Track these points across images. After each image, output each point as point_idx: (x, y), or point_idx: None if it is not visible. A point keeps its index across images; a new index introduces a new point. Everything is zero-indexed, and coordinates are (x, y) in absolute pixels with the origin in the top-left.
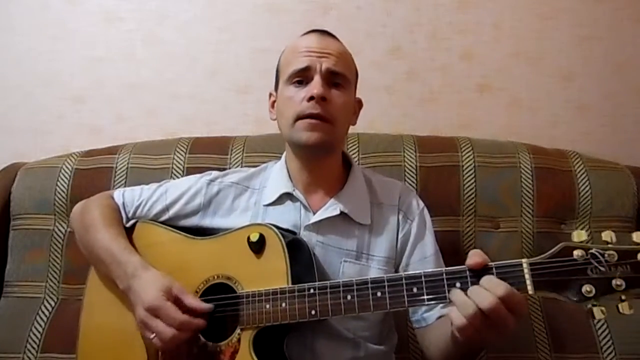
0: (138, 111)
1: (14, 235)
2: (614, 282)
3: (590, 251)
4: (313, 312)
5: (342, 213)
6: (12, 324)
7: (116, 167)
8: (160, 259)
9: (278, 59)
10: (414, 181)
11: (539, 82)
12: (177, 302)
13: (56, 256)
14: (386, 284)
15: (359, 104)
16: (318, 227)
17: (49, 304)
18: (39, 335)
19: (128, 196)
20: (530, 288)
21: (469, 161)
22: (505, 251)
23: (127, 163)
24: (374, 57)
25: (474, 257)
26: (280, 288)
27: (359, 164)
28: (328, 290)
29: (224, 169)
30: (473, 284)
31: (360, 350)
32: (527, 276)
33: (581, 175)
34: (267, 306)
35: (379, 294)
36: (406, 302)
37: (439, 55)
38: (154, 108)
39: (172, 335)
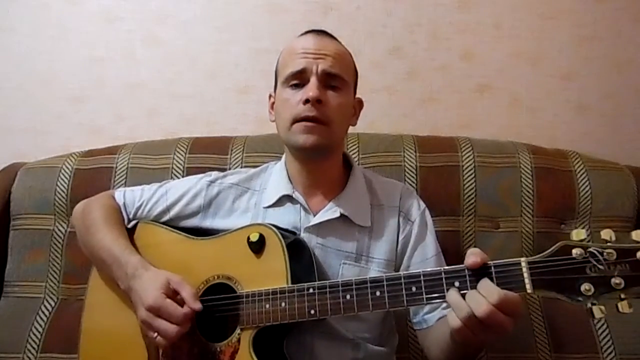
0: (138, 111)
1: (14, 235)
2: (613, 280)
3: (589, 250)
4: (312, 311)
5: (342, 215)
6: (12, 324)
7: (116, 167)
8: (161, 259)
9: (277, 60)
10: (414, 181)
11: (539, 82)
12: (176, 295)
13: (56, 256)
14: (385, 283)
15: (360, 104)
16: (318, 229)
17: (49, 304)
18: (39, 335)
19: (129, 197)
20: (529, 287)
21: (469, 161)
22: (505, 251)
23: (127, 163)
24: (374, 57)
25: (472, 256)
26: (279, 288)
27: (359, 164)
28: (327, 289)
29: (224, 169)
30: (472, 283)
31: (360, 351)
32: (525, 275)
33: (581, 175)
34: (267, 306)
35: (378, 293)
36: (405, 302)
37: (439, 55)
38: (154, 108)
39: (175, 331)
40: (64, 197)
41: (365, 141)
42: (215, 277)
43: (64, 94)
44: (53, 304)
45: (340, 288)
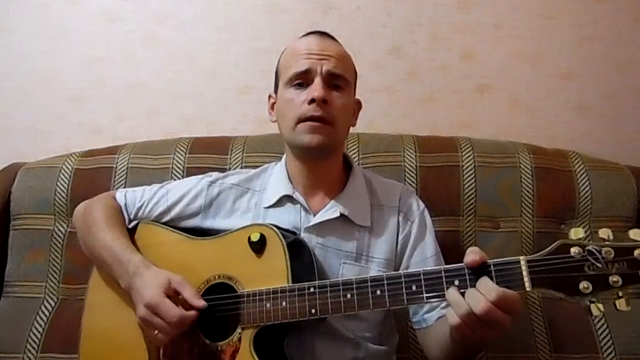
0: (138, 111)
1: (14, 235)
2: (610, 278)
3: (587, 248)
4: (313, 310)
5: (342, 215)
6: (12, 324)
7: (116, 167)
8: (161, 259)
9: (277, 61)
10: (414, 181)
11: (539, 82)
12: (177, 295)
13: (56, 256)
14: (385, 282)
15: (358, 104)
16: (318, 229)
17: (49, 304)
18: (39, 335)
19: (130, 197)
20: (528, 285)
21: (469, 161)
22: (505, 251)
23: (127, 163)
24: (374, 57)
25: (472, 254)
26: (280, 287)
27: (359, 164)
28: (328, 288)
29: (224, 169)
30: (472, 281)
31: (361, 350)
32: (524, 273)
33: (581, 175)
34: (268, 305)
35: (378, 292)
36: (405, 300)
37: (439, 55)
38: (154, 108)
39: (171, 330)
40: (64, 197)
41: (365, 141)
42: (216, 277)
43: (64, 94)
44: (53, 304)
45: (340, 287)
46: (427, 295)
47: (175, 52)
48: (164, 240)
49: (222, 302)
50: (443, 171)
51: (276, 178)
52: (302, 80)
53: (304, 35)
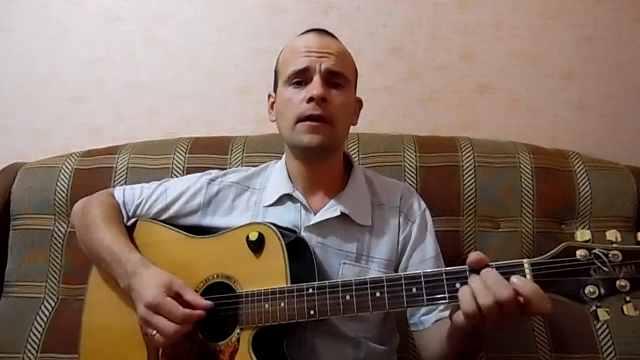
0: (138, 111)
1: (14, 235)
2: (618, 282)
3: (594, 251)
4: (312, 312)
5: (342, 214)
6: (12, 324)
7: (116, 167)
8: (160, 258)
9: (276, 59)
10: (414, 181)
11: (539, 82)
12: (178, 297)
13: (56, 256)
14: (385, 284)
15: (359, 103)
16: (318, 228)
17: (49, 304)
18: (39, 335)
19: (128, 194)
20: None
21: (469, 161)
22: (505, 251)
23: (127, 163)
24: (374, 57)
25: (474, 254)
26: (279, 288)
27: (359, 164)
28: (327, 290)
29: (224, 169)
30: None
31: (362, 350)
32: (528, 277)
33: (581, 175)
34: (266, 306)
35: (377, 294)
36: (405, 303)
37: (439, 55)
38: (154, 108)
39: (174, 330)
40: (64, 197)
41: (365, 141)
42: (215, 276)
43: (64, 94)
44: (53, 304)
45: (340, 288)
46: (428, 297)
47: (175, 52)
48: (163, 238)
49: (221, 302)
50: (443, 171)
51: (276, 177)
52: (301, 78)
53: (303, 33)
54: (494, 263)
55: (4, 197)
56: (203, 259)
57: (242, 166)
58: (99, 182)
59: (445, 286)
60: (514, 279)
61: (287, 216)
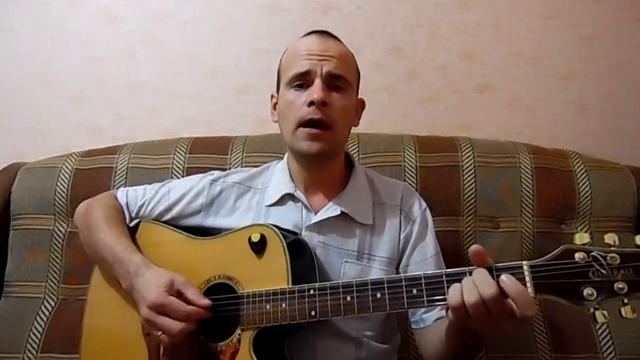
0: (138, 111)
1: (14, 235)
2: (616, 285)
3: (592, 254)
4: (313, 312)
5: (343, 213)
6: (12, 324)
7: (116, 167)
8: (162, 259)
9: (279, 60)
10: (414, 181)
11: (539, 82)
12: (180, 296)
13: (56, 256)
14: (386, 285)
15: (362, 104)
16: (319, 227)
17: (49, 304)
18: (39, 335)
19: (131, 196)
20: (530, 291)
21: (469, 161)
22: (505, 251)
23: (127, 163)
24: (374, 57)
25: (476, 246)
26: (280, 289)
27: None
28: (328, 291)
29: (224, 169)
30: None
31: (363, 349)
32: (527, 279)
33: (581, 175)
34: (267, 307)
35: (378, 295)
36: (406, 304)
37: (439, 55)
38: (154, 108)
39: (179, 328)
40: (64, 197)
41: (365, 141)
42: (217, 277)
43: (64, 94)
44: (53, 304)
45: (340, 289)
46: (428, 299)
47: (175, 52)
48: (165, 239)
49: (222, 302)
50: (443, 171)
51: (278, 176)
52: (302, 81)
53: (305, 35)
54: (493, 265)
55: (4, 197)
56: (205, 260)
57: (242, 166)
58: (99, 182)
59: (446, 288)
60: (503, 277)
61: (288, 216)
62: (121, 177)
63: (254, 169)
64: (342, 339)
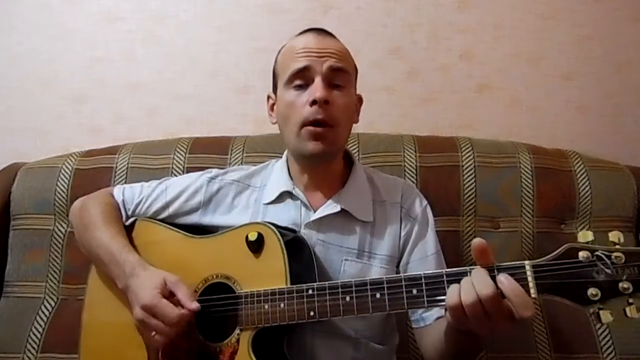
0: (138, 111)
1: (14, 235)
2: (620, 285)
3: (596, 253)
4: (312, 313)
5: (343, 210)
6: (12, 324)
7: (116, 167)
8: (159, 258)
9: (275, 60)
10: (414, 181)
11: (539, 82)
12: (171, 296)
13: (56, 256)
14: (385, 285)
15: (360, 100)
16: (319, 225)
17: (49, 304)
18: (39, 335)
19: (128, 193)
20: (533, 291)
21: (469, 161)
22: (505, 251)
23: (127, 163)
24: (374, 57)
25: (478, 240)
26: (278, 288)
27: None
28: (326, 291)
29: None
30: None
31: (361, 350)
32: (530, 279)
33: (581, 175)
34: (266, 307)
35: (378, 295)
36: (405, 304)
37: (439, 55)
38: (154, 108)
39: (169, 331)
40: (64, 197)
41: (365, 141)
42: (214, 276)
43: (64, 94)
44: (53, 304)
45: (339, 290)
46: (428, 299)
47: (175, 52)
48: (162, 238)
49: (220, 302)
50: (443, 171)
51: (277, 174)
52: (302, 79)
53: (300, 33)
54: (494, 265)
55: (4, 197)
56: (202, 259)
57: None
58: (99, 182)
59: (446, 288)
60: (501, 277)
61: (287, 214)
62: (121, 177)
63: (253, 167)
64: (340, 340)
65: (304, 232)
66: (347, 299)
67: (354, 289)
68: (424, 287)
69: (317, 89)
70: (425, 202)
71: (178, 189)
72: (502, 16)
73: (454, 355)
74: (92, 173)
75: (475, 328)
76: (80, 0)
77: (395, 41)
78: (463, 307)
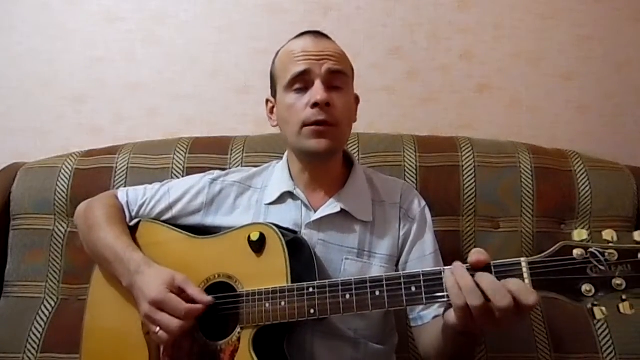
0: (138, 111)
1: (14, 235)
2: (614, 281)
3: (590, 250)
4: (312, 310)
5: (343, 210)
6: (12, 324)
7: (116, 167)
8: (162, 258)
9: (272, 64)
10: (414, 181)
11: (539, 82)
12: (180, 293)
13: (56, 256)
14: (385, 283)
15: (357, 99)
16: (319, 224)
17: (49, 304)
18: (39, 335)
19: (132, 195)
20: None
21: (469, 161)
22: (505, 251)
23: (127, 163)
24: (374, 57)
25: (477, 254)
26: (279, 287)
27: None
28: (327, 289)
29: (224, 169)
30: None
31: (360, 350)
32: (525, 275)
33: (581, 175)
34: (267, 305)
35: (377, 292)
36: (404, 302)
37: (439, 55)
38: (154, 108)
39: (177, 325)
40: (64, 197)
41: (365, 141)
42: (216, 275)
43: (64, 94)
44: (53, 304)
45: (340, 287)
46: (427, 296)
47: (175, 52)
48: (165, 238)
49: (222, 301)
50: (443, 171)
51: (278, 175)
52: (302, 83)
53: (297, 36)
54: (492, 262)
55: (4, 197)
56: (204, 259)
57: (242, 166)
58: (99, 182)
59: (444, 285)
60: (513, 286)
61: (288, 214)
62: (121, 177)
63: (254, 169)
64: (339, 340)
65: (305, 232)
66: (347, 296)
67: (353, 286)
68: (422, 284)
69: (317, 91)
70: (423, 203)
71: (181, 190)
72: (502, 16)
73: (453, 355)
74: (92, 173)
75: (481, 325)
76: (80, 0)
77: (395, 41)
78: (470, 309)
